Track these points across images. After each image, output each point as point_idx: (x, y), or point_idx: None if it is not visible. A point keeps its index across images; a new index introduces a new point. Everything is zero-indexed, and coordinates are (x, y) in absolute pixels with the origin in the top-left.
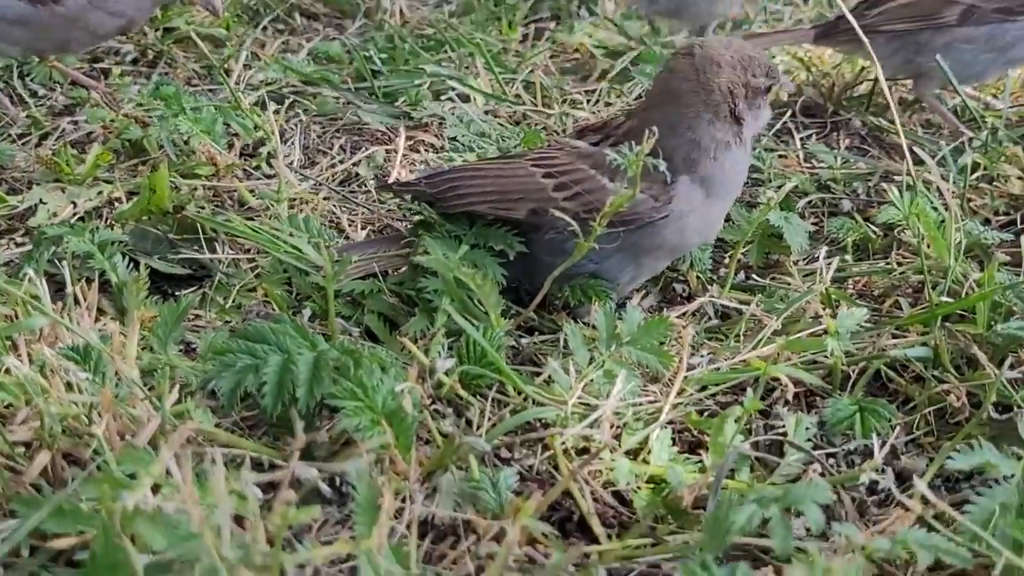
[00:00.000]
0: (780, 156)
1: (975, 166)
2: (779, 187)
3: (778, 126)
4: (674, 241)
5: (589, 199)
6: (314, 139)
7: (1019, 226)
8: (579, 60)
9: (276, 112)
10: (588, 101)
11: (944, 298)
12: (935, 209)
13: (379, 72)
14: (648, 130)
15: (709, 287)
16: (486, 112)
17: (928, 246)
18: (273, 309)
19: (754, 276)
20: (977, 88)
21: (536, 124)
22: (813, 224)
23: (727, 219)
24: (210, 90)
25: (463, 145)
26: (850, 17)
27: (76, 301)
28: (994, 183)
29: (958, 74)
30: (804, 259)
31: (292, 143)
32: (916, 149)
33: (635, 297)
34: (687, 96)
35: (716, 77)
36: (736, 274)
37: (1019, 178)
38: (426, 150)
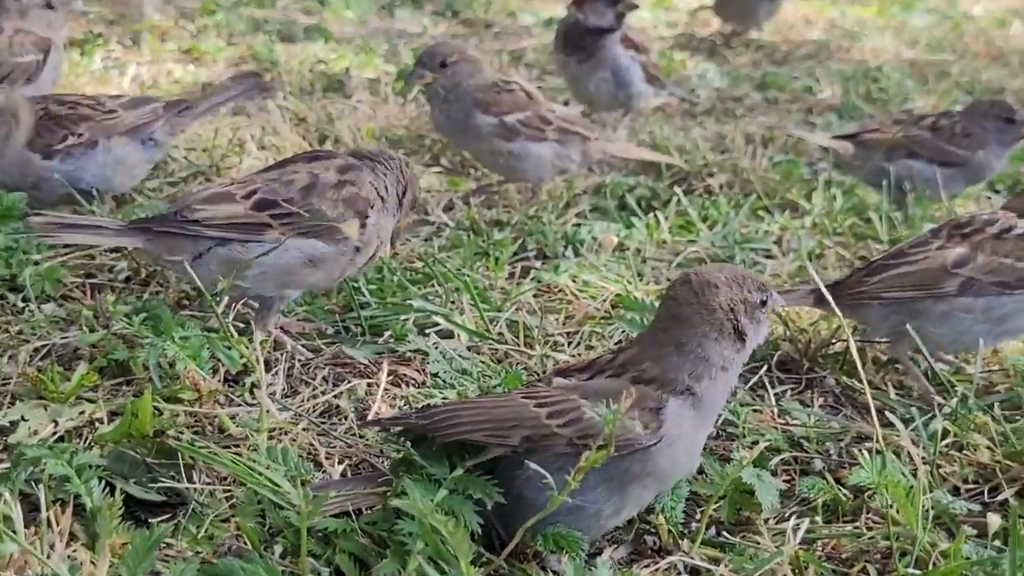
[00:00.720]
0: (755, 411)
1: (945, 433)
2: (753, 443)
3: (754, 380)
4: (664, 468)
5: (582, 427)
6: (298, 368)
7: (986, 497)
8: (563, 300)
9: (263, 342)
10: (569, 344)
11: (911, 570)
12: (904, 475)
13: (367, 303)
14: (625, 390)
15: (680, 541)
16: (469, 348)
17: (897, 512)
18: (245, 543)
19: (724, 533)
20: (957, 356)
21: (518, 363)
22: (785, 482)
23: (700, 472)
24: (201, 314)
25: (444, 382)
26: (828, 296)
27: (49, 525)
28: (963, 451)
29: (953, 342)
30: (775, 518)
31: (277, 371)
32: (888, 413)
33: (606, 550)
34: (691, 318)
35: (716, 297)
36: (707, 529)
37: (988, 447)
38: (407, 385)
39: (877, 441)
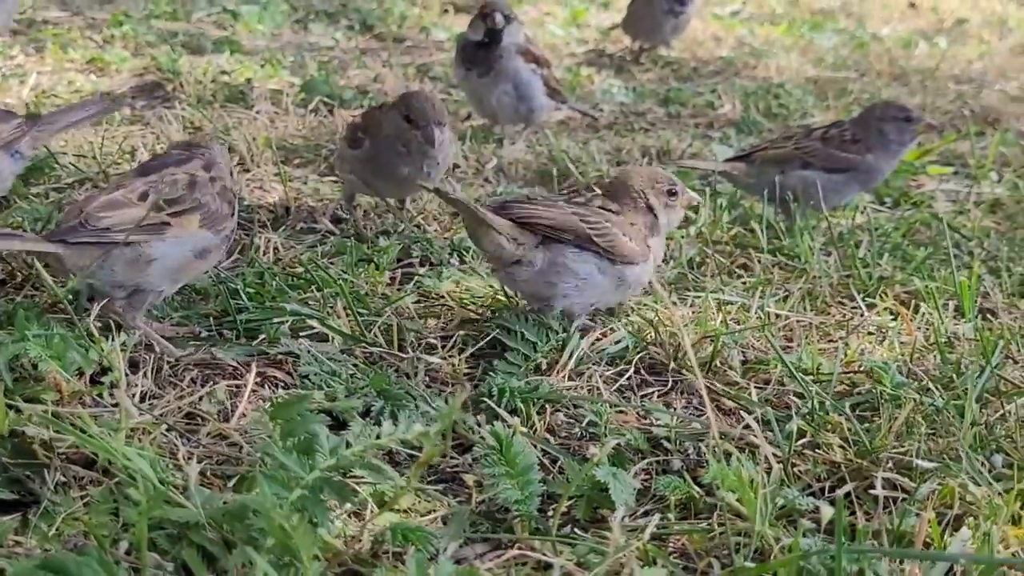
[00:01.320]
0: (620, 411)
1: (801, 433)
2: (617, 445)
3: (621, 382)
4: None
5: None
6: (167, 370)
7: (828, 495)
8: (444, 306)
9: (123, 343)
10: (443, 347)
11: (748, 563)
12: (756, 472)
13: (244, 307)
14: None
15: (533, 536)
16: (342, 351)
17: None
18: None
19: (577, 530)
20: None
21: (389, 366)
22: (643, 481)
23: (560, 471)
24: (76, 317)
25: (313, 383)
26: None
27: None
28: (818, 450)
29: None
30: (630, 515)
31: (145, 373)
32: (744, 414)
33: (449, 547)
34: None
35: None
36: (563, 526)
37: (840, 446)
38: (276, 386)
39: (714, 438)
